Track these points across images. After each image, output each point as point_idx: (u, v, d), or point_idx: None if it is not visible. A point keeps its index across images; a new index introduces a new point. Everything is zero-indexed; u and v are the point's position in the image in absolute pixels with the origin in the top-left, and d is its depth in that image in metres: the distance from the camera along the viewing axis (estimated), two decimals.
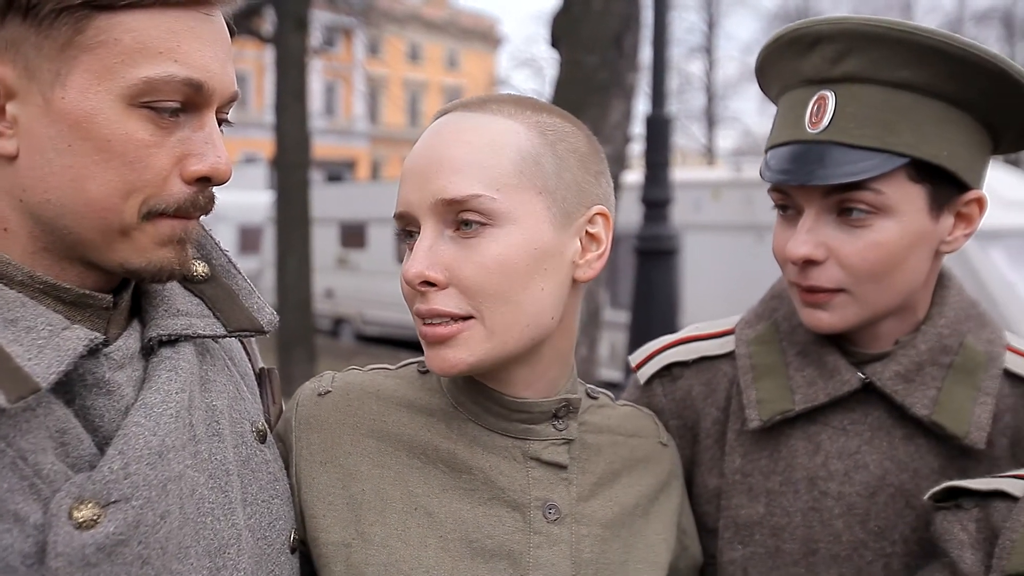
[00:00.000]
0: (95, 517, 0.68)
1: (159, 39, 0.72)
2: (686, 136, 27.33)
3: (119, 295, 0.81)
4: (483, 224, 0.86)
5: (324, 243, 11.49)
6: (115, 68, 0.71)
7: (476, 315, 0.87)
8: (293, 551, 0.90)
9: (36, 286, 0.75)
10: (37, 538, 0.67)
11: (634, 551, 0.99)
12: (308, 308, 7.72)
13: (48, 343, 0.70)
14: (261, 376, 1.00)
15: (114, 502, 0.69)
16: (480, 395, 0.95)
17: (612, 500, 0.99)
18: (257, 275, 13.00)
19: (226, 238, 15.60)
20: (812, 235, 1.04)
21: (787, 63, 1.09)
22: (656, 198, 5.18)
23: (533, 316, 0.89)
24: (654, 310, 5.13)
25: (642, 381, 1.25)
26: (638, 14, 4.35)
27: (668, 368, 1.23)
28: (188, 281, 0.88)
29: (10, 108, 0.73)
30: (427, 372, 1.01)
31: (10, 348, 0.68)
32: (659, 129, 5.22)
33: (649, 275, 5.23)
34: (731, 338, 1.21)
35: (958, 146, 1.02)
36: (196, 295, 0.87)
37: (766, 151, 1.12)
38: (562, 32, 4.35)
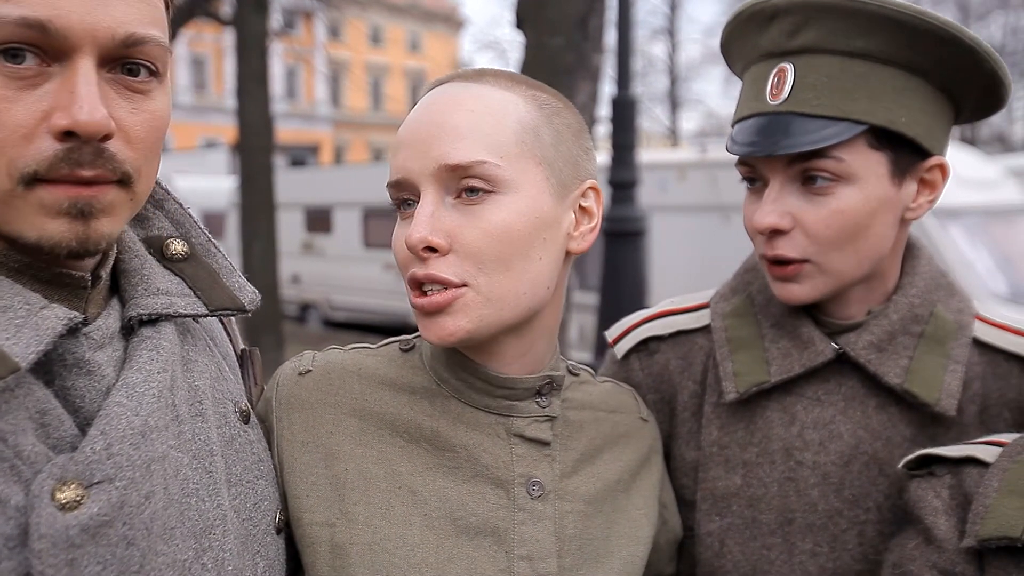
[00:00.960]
0: (78, 498, 0.66)
1: None
2: (650, 118, 27.41)
3: (97, 274, 0.79)
4: (487, 191, 0.87)
5: (289, 228, 11.36)
6: None
7: (472, 283, 0.87)
8: (279, 532, 0.89)
9: (11, 264, 0.72)
10: (19, 520, 0.65)
11: (617, 526, 1.00)
12: (275, 294, 7.67)
13: (26, 322, 0.68)
14: (243, 357, 0.99)
15: (97, 483, 0.68)
16: (464, 371, 0.95)
17: (595, 476, 0.99)
18: None
19: None
20: (777, 205, 1.06)
21: (748, 38, 1.12)
22: (623, 180, 5.20)
23: (531, 285, 0.89)
24: (622, 291, 5.16)
25: (619, 356, 1.26)
26: None
27: (645, 343, 1.24)
28: (167, 260, 0.86)
29: None
30: (409, 350, 1.01)
31: None
32: (625, 111, 5.22)
33: (617, 257, 5.26)
34: (706, 312, 1.23)
35: (916, 112, 1.04)
36: (176, 274, 0.85)
37: (732, 125, 1.14)
38: (527, 14, 4.34)
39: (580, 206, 0.95)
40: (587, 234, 0.95)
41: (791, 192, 1.06)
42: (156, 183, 0.88)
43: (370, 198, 11.10)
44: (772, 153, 1.04)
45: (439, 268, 0.86)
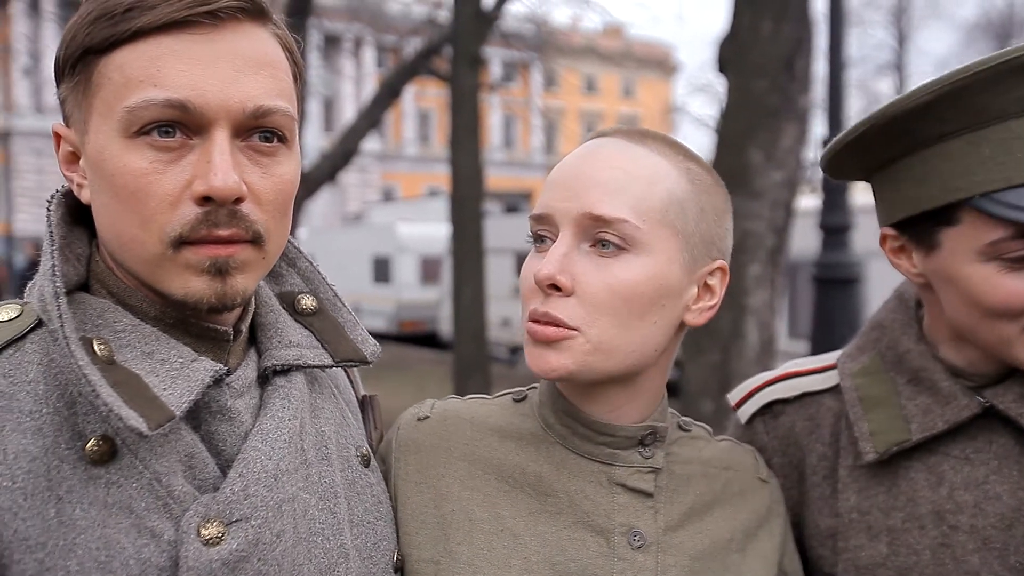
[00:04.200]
0: (220, 535, 0.74)
1: (140, 68, 0.75)
2: None
3: (238, 328, 0.87)
4: (621, 248, 0.89)
5: (500, 273, 11.72)
6: (112, 105, 0.76)
7: (584, 330, 0.89)
8: (397, 571, 0.94)
9: (167, 320, 0.82)
10: (171, 553, 0.74)
11: None
12: (483, 337, 7.90)
13: (180, 374, 0.77)
14: (364, 403, 1.05)
15: (236, 521, 0.75)
16: (568, 416, 0.97)
17: (703, 532, 0.97)
18: (438, 305, 13.43)
19: (409, 270, 16.25)
20: None
21: (1013, 89, 0.92)
22: (835, 224, 4.98)
23: (639, 345, 0.92)
24: (835, 341, 4.84)
25: (743, 420, 1.22)
26: (810, 36, 4.20)
27: (769, 405, 1.20)
28: (298, 314, 0.94)
29: (81, 162, 0.81)
30: (522, 400, 1.05)
31: (148, 379, 0.76)
32: None
33: (828, 304, 5.03)
34: (833, 373, 1.16)
35: None
36: (306, 327, 0.93)
37: (995, 190, 0.93)
38: (729, 58, 4.28)
39: (705, 283, 0.96)
40: (705, 311, 0.97)
41: None
42: (289, 243, 0.96)
43: None
44: None
45: (557, 308, 0.89)
